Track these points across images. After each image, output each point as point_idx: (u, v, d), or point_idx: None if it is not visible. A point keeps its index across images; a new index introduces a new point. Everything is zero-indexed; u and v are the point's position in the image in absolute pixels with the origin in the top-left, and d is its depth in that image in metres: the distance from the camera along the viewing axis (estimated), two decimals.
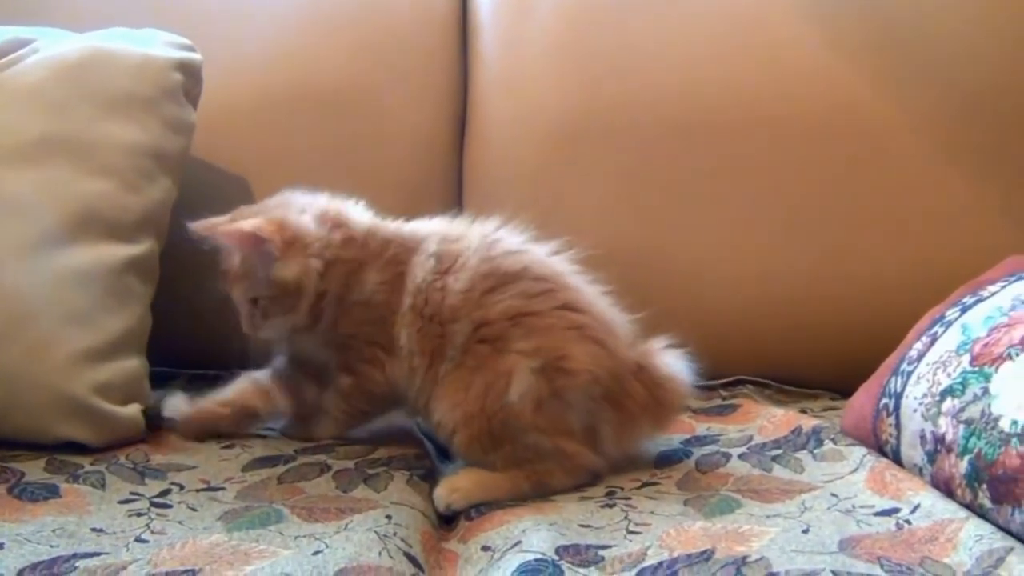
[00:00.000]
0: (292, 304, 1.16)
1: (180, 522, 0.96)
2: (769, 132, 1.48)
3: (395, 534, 0.92)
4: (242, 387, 1.23)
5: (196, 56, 1.38)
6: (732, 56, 1.52)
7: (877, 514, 0.96)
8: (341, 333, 1.18)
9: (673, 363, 1.15)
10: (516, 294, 1.11)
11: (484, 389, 1.08)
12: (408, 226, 1.22)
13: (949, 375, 1.04)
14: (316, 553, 0.87)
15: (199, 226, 1.15)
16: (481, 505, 1.05)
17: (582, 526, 0.97)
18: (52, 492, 1.02)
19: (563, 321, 1.10)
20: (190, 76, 1.36)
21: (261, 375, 1.23)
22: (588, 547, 0.92)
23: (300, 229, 1.16)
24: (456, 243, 1.16)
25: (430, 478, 1.11)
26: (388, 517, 0.96)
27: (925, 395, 1.06)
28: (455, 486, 1.07)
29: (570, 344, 1.08)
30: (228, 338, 1.29)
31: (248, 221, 1.15)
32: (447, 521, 1.06)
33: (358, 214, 1.22)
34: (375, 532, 0.92)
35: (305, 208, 1.19)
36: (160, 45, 1.35)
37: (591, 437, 1.10)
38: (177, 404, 1.23)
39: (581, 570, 0.87)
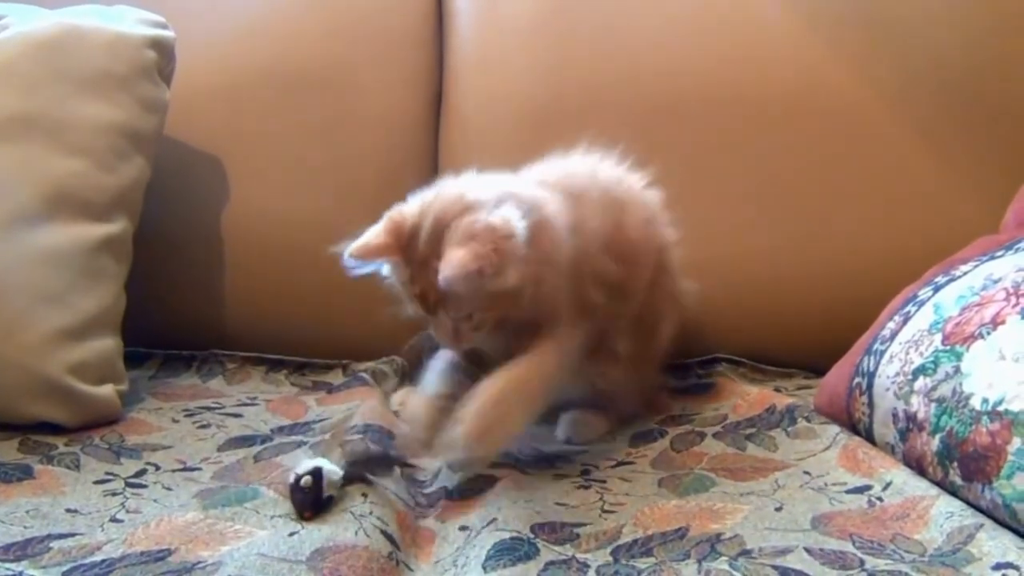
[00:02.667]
0: (511, 308, 1.04)
1: (155, 500, 0.96)
2: (745, 112, 1.48)
3: (371, 513, 0.92)
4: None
5: (169, 34, 1.37)
6: (708, 37, 1.52)
7: (849, 491, 0.97)
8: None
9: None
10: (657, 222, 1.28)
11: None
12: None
13: (921, 354, 1.05)
14: (292, 534, 0.87)
15: (364, 245, 1.04)
16: (463, 485, 1.05)
17: (558, 504, 0.98)
18: (26, 473, 1.02)
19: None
20: (163, 54, 1.35)
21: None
22: (563, 525, 0.92)
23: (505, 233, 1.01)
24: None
25: (402, 458, 1.11)
26: (363, 495, 0.96)
27: (898, 374, 1.07)
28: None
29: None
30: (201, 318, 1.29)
31: (459, 252, 0.98)
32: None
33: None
34: (351, 512, 0.92)
35: (498, 200, 1.05)
36: (133, 22, 1.34)
37: None
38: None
39: (557, 548, 0.88)
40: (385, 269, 1.06)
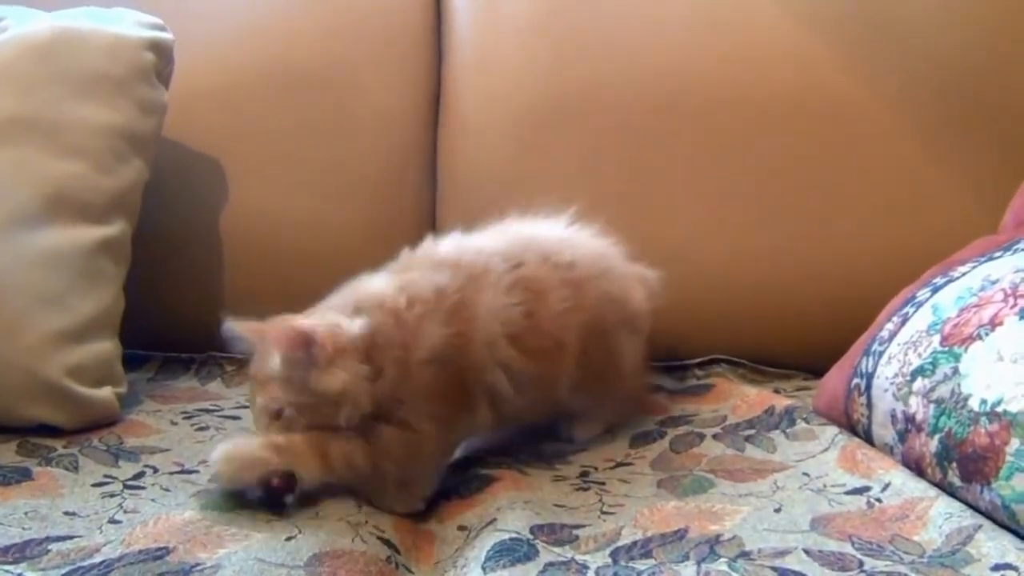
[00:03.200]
0: (330, 415, 0.98)
1: (153, 500, 0.96)
2: (743, 113, 1.48)
3: (367, 521, 0.92)
4: None
5: (167, 36, 1.37)
6: (707, 37, 1.52)
7: (848, 493, 0.97)
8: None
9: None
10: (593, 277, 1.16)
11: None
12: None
13: (920, 355, 1.05)
14: (289, 539, 0.87)
15: (242, 328, 1.01)
16: (461, 486, 1.04)
17: (557, 506, 0.98)
18: (24, 475, 1.02)
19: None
20: (162, 56, 1.35)
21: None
22: (563, 526, 0.92)
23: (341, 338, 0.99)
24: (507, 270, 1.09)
25: None
26: (359, 506, 0.96)
27: (896, 375, 1.07)
28: None
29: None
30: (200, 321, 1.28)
31: (301, 320, 1.00)
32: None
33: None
34: (346, 521, 0.92)
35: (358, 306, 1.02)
36: (131, 24, 1.34)
37: None
38: None
39: (556, 549, 0.88)
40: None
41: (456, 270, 1.06)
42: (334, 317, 1.01)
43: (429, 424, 1.01)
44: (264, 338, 1.00)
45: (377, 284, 1.05)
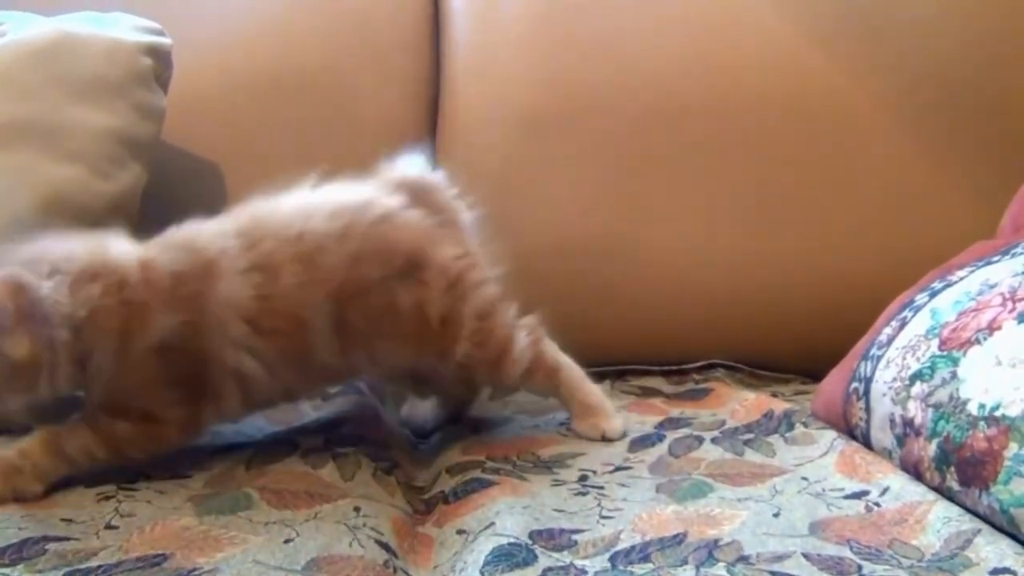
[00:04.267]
0: (29, 385, 0.95)
1: (148, 501, 0.96)
2: (740, 117, 1.49)
3: (365, 525, 0.92)
4: None
5: (166, 40, 1.37)
6: (705, 42, 1.53)
7: (847, 497, 0.97)
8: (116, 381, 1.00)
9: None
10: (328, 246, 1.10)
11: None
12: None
13: (918, 359, 1.05)
14: (287, 541, 0.87)
15: None
16: (458, 488, 1.05)
17: (555, 511, 0.97)
18: None
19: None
20: (160, 60, 1.35)
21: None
22: (561, 531, 0.92)
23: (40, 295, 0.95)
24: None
25: (395, 470, 1.11)
26: (356, 509, 0.96)
27: (894, 379, 1.07)
28: None
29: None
30: None
31: None
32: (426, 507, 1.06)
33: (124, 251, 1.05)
34: (344, 524, 0.92)
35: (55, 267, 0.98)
36: (129, 29, 1.34)
37: None
38: None
39: (554, 554, 0.87)
40: None
41: (195, 255, 1.06)
42: (20, 273, 0.95)
43: (174, 411, 1.03)
44: None
45: (117, 250, 1.04)
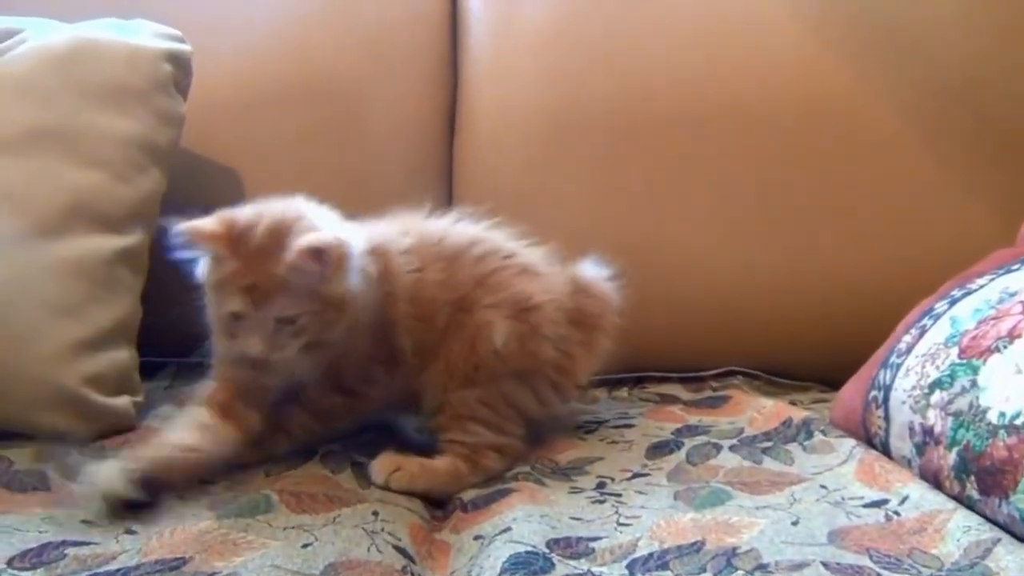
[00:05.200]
0: (332, 322, 1.05)
1: (168, 509, 0.96)
2: (758, 125, 1.48)
3: (383, 530, 0.92)
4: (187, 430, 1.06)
5: (186, 47, 1.37)
6: (721, 48, 1.53)
7: (866, 505, 0.96)
8: (344, 352, 1.10)
9: (595, 272, 1.24)
10: (470, 262, 1.16)
11: (467, 345, 1.12)
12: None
13: (938, 367, 1.04)
14: (305, 546, 0.88)
15: (194, 227, 1.02)
16: (478, 498, 1.05)
17: (573, 519, 0.97)
18: (42, 482, 1.02)
19: (511, 269, 1.17)
20: (180, 67, 1.36)
21: (192, 414, 1.09)
22: (579, 539, 0.92)
23: (351, 247, 1.05)
24: (409, 238, 1.16)
25: None
26: (375, 514, 0.96)
27: (914, 387, 1.06)
28: (399, 464, 1.08)
29: (524, 284, 1.16)
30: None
31: (310, 236, 1.02)
32: (438, 506, 1.07)
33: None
34: (363, 529, 0.92)
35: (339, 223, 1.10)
36: (150, 36, 1.35)
37: (567, 364, 1.18)
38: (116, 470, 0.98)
39: (572, 562, 0.87)
40: (202, 263, 1.05)
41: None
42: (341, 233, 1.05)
43: (375, 387, 1.15)
44: (226, 244, 1.03)
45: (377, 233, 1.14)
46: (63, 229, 1.20)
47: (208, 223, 1.03)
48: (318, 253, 1.00)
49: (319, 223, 1.06)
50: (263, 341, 1.02)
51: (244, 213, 1.05)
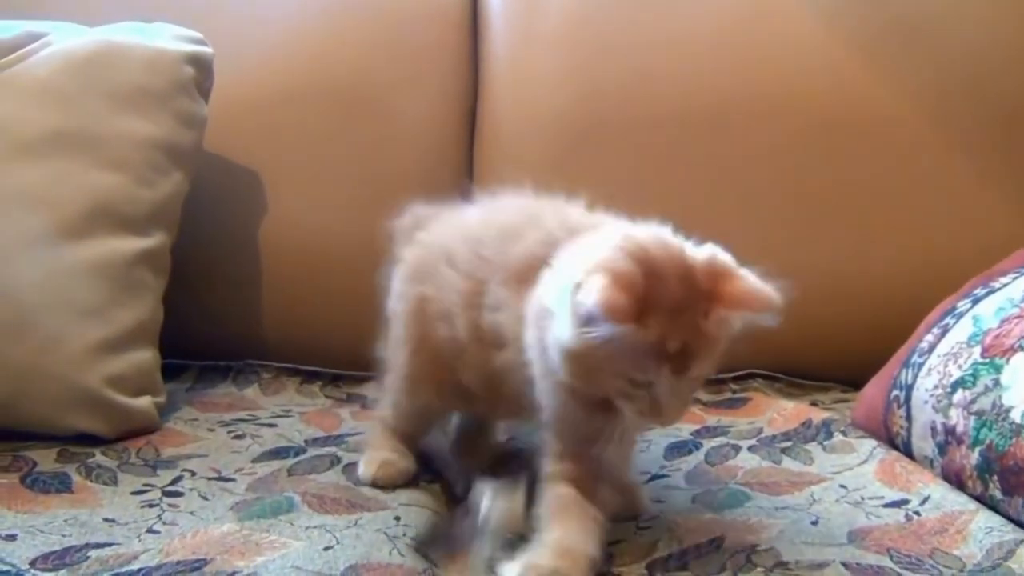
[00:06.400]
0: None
1: (192, 512, 0.97)
2: (779, 124, 1.48)
3: (404, 534, 0.92)
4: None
5: (207, 50, 1.38)
6: (741, 49, 1.52)
7: (886, 506, 0.96)
8: None
9: None
10: None
11: None
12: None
13: (960, 367, 1.04)
14: (327, 548, 0.88)
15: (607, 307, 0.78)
16: None
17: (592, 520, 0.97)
18: (64, 484, 1.03)
19: None
20: (202, 70, 1.37)
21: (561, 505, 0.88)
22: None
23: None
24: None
25: (439, 479, 1.10)
26: (397, 519, 0.96)
27: (936, 387, 1.06)
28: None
29: None
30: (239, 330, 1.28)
31: (760, 290, 0.88)
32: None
33: None
34: (384, 533, 0.92)
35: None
36: (171, 39, 1.36)
37: None
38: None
39: None
40: (608, 340, 0.79)
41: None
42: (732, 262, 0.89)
43: None
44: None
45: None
46: (85, 231, 1.21)
47: (616, 295, 0.78)
48: (768, 300, 0.86)
49: (704, 251, 0.89)
50: (666, 405, 0.84)
51: (625, 266, 0.82)
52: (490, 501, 0.87)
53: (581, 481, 0.88)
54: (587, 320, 0.79)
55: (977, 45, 1.47)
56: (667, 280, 0.83)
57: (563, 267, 0.87)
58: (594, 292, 0.78)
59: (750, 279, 0.86)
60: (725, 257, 0.88)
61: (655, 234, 0.90)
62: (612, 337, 0.79)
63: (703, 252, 0.88)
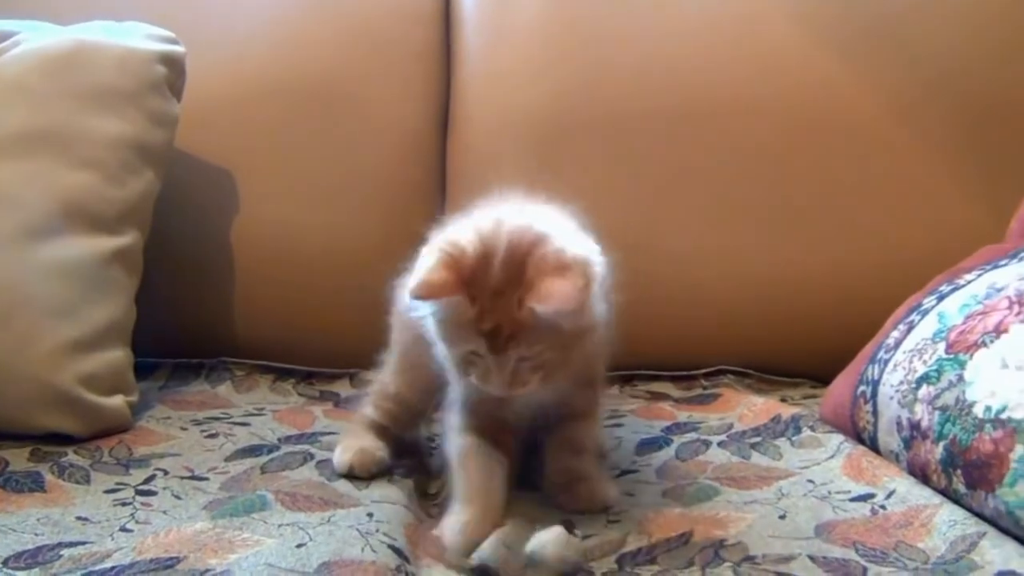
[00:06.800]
0: (574, 348, 0.93)
1: (165, 511, 0.97)
2: (751, 122, 1.49)
3: (377, 530, 0.93)
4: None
5: (179, 49, 1.38)
6: (719, 49, 1.53)
7: (853, 500, 0.97)
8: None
9: None
10: None
11: None
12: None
13: (925, 362, 1.05)
14: (300, 545, 0.88)
15: (426, 284, 0.88)
16: None
17: (563, 517, 0.98)
18: (36, 483, 1.03)
19: None
20: (173, 69, 1.37)
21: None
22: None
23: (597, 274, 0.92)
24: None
25: (411, 475, 1.11)
26: (369, 515, 0.96)
27: (902, 382, 1.07)
28: None
29: None
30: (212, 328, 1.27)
31: (561, 283, 0.87)
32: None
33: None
34: (356, 530, 0.92)
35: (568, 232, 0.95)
36: (143, 38, 1.36)
37: None
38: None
39: None
40: (438, 310, 0.91)
41: None
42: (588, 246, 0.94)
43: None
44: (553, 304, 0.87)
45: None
46: (57, 230, 1.21)
47: (435, 271, 0.88)
48: (566, 301, 0.87)
49: (560, 243, 0.91)
50: (502, 381, 0.91)
51: (467, 242, 0.90)
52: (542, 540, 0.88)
53: (482, 430, 0.99)
54: (413, 293, 0.88)
55: (947, 46, 1.49)
56: (495, 264, 0.89)
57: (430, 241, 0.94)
58: (420, 268, 0.89)
59: (560, 280, 0.88)
60: (565, 251, 0.90)
61: (530, 218, 0.93)
62: (435, 310, 0.91)
63: (551, 244, 0.90)
